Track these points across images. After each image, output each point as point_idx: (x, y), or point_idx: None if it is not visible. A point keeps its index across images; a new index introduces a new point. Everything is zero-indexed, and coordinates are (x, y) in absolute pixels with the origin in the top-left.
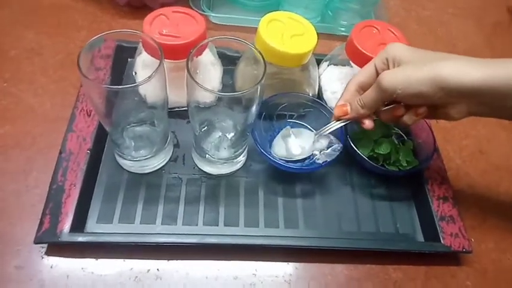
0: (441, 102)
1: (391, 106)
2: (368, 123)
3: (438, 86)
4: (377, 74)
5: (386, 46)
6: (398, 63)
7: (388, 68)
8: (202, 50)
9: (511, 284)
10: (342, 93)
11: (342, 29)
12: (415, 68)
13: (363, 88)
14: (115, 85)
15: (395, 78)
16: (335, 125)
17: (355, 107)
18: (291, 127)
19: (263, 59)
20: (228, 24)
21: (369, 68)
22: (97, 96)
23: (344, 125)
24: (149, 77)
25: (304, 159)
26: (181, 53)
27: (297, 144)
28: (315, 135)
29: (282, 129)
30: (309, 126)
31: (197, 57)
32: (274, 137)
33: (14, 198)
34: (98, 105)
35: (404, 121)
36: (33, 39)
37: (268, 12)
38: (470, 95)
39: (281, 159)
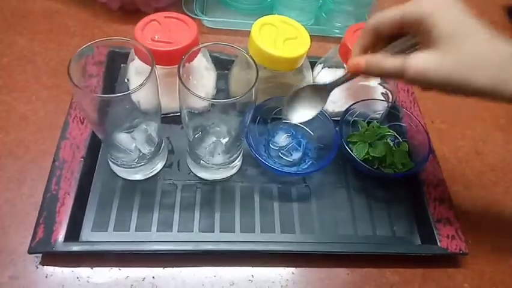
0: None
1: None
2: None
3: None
4: (403, 27)
5: None
6: (431, 40)
7: (414, 42)
8: (194, 56)
9: (508, 285)
10: (359, 41)
11: (337, 31)
12: (452, 69)
13: (377, 34)
14: (108, 93)
15: (425, 71)
16: (345, 78)
17: (370, 66)
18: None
19: (255, 64)
20: (221, 28)
21: (393, 15)
22: (89, 104)
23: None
24: (141, 84)
25: (300, 162)
26: (174, 59)
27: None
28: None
29: (276, 132)
30: (307, 128)
31: (189, 63)
32: (270, 141)
33: (8, 207)
34: (90, 113)
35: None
36: (25, 46)
37: (262, 16)
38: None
39: (276, 163)
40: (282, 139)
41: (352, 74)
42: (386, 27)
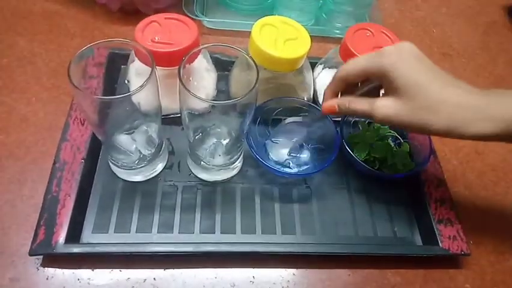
0: None
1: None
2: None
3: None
4: (366, 75)
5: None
6: (393, 89)
7: (378, 84)
8: (194, 57)
9: (510, 286)
10: (329, 85)
11: (337, 31)
12: (411, 115)
13: (347, 81)
14: (109, 94)
15: (391, 117)
16: None
17: (343, 106)
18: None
19: (255, 65)
20: (222, 29)
21: (359, 63)
22: (89, 106)
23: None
24: (141, 86)
25: (301, 164)
26: (174, 60)
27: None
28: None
29: (277, 133)
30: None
31: (189, 64)
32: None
33: (8, 208)
34: (90, 115)
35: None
36: (25, 47)
37: (262, 16)
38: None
39: (277, 164)
40: (280, 155)
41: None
42: (354, 76)
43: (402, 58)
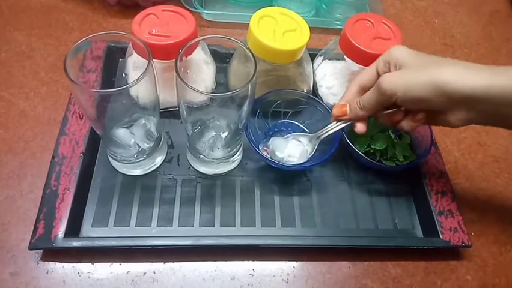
0: (440, 108)
1: (390, 111)
2: (359, 127)
3: (438, 91)
4: (378, 76)
5: (384, 45)
6: (399, 66)
7: (389, 71)
8: (191, 50)
9: (511, 277)
10: (344, 94)
11: (337, 22)
12: (416, 72)
13: (364, 89)
14: (106, 88)
15: (395, 82)
16: (334, 127)
17: (354, 108)
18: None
19: (253, 57)
20: (221, 21)
21: (371, 70)
22: (87, 100)
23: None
24: (138, 79)
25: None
26: (172, 53)
27: (295, 150)
28: (314, 138)
29: (277, 127)
30: (302, 126)
31: (187, 57)
32: (270, 135)
33: (8, 203)
34: (88, 109)
35: (402, 127)
36: (23, 41)
37: (261, 8)
38: (470, 102)
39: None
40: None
41: (337, 120)
42: (367, 79)
43: (406, 50)
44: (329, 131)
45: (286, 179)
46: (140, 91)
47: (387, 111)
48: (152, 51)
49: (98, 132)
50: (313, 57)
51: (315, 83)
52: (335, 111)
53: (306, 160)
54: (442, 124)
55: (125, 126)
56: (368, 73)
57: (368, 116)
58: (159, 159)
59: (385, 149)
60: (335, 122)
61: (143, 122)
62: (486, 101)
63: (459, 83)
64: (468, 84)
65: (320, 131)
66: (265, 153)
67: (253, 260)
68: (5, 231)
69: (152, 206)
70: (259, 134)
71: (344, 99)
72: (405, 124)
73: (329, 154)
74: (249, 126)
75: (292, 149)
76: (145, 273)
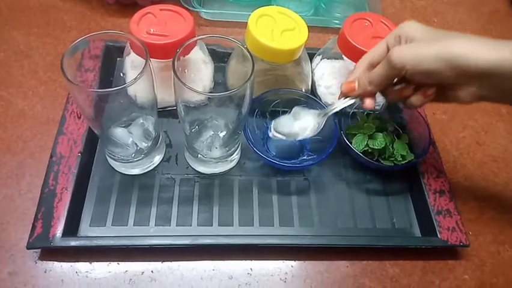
0: (451, 82)
1: (399, 86)
2: (368, 103)
3: (448, 64)
4: (388, 51)
5: (381, 38)
6: (410, 40)
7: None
8: (189, 49)
9: (509, 277)
10: (353, 70)
11: (336, 21)
12: (426, 45)
13: (373, 65)
14: (104, 87)
15: (405, 54)
16: (342, 103)
17: (363, 83)
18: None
19: (251, 56)
20: (219, 20)
21: (381, 45)
22: (85, 99)
23: (350, 105)
24: (135, 78)
25: (298, 155)
26: (170, 52)
27: (302, 123)
28: (320, 115)
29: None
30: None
31: (185, 56)
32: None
33: (6, 203)
34: (86, 108)
35: (411, 102)
36: (22, 41)
37: (260, 7)
38: (481, 76)
39: (275, 157)
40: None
41: (345, 96)
42: (377, 55)
43: (418, 25)
44: (336, 107)
45: (284, 178)
46: (138, 90)
47: (397, 87)
48: (150, 51)
49: (96, 132)
50: (311, 57)
51: (313, 82)
52: (344, 88)
53: (316, 133)
54: (452, 100)
55: (123, 125)
56: (377, 49)
57: (376, 92)
58: (157, 159)
59: (383, 148)
60: (342, 98)
61: (141, 121)
62: (498, 75)
63: (470, 57)
64: (479, 58)
65: (327, 108)
66: (279, 136)
67: (251, 260)
68: (3, 230)
69: (150, 206)
70: (258, 134)
71: (353, 75)
72: (415, 99)
73: (327, 153)
74: (247, 125)
75: (305, 122)
76: (143, 272)
